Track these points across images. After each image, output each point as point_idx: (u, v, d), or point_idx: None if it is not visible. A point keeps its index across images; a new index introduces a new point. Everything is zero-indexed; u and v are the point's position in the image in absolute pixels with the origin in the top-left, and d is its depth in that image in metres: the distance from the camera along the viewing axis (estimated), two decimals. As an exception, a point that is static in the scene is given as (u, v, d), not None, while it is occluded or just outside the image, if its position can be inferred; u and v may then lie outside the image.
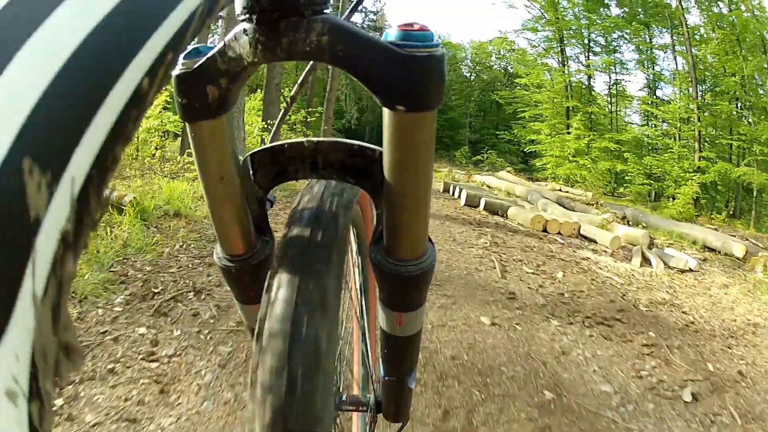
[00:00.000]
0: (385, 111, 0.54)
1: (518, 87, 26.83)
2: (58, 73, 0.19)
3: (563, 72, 24.12)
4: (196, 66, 0.54)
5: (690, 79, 19.47)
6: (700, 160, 18.02)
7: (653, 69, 23.49)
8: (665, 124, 21.30)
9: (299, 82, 0.92)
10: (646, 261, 6.32)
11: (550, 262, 5.83)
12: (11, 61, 0.17)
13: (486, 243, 6.13)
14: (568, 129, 22.10)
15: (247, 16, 0.50)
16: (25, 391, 0.18)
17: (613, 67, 23.63)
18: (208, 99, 0.55)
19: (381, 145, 0.61)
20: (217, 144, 0.60)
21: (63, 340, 0.21)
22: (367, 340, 1.25)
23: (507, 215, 8.75)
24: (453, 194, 11.70)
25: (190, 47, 0.53)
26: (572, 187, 17.21)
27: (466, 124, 34.72)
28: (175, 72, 0.54)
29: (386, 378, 0.98)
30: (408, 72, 0.51)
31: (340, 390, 1.09)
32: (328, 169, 0.68)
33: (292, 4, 0.49)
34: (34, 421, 0.19)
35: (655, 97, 22.95)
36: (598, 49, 24.38)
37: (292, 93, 0.95)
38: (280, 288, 0.58)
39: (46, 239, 0.18)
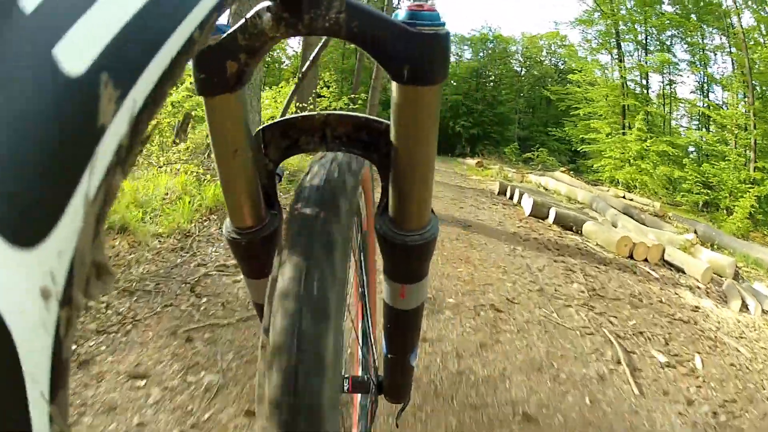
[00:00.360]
0: (394, 84, 0.57)
1: (570, 83, 25.73)
2: (137, 12, 0.22)
3: (621, 67, 22.92)
4: (217, 41, 0.55)
5: (746, 84, 18.26)
6: (755, 171, 16.68)
7: (706, 70, 22.28)
8: (714, 130, 19.91)
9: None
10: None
11: (671, 327, 3.91)
12: None
13: (582, 292, 4.28)
14: (623, 129, 21.05)
15: None
16: (59, 294, 0.18)
17: (667, 67, 22.50)
18: (227, 74, 0.57)
19: (389, 119, 0.64)
20: (233, 118, 0.62)
21: (97, 258, 0.22)
22: (368, 321, 1.23)
23: (582, 232, 7.23)
24: (511, 198, 10.61)
25: None
26: (630, 192, 16.08)
27: (516, 120, 33.65)
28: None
29: (388, 355, 0.98)
30: (415, 48, 0.53)
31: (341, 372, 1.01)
32: (337, 142, 0.69)
33: None
34: (60, 330, 0.18)
35: (709, 100, 21.75)
36: (650, 47, 23.22)
37: (303, 69, 0.94)
38: (290, 255, 0.57)
39: (105, 147, 0.21)
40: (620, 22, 23.27)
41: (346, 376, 1.04)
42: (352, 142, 0.69)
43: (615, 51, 24.57)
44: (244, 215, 0.70)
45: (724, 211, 16.90)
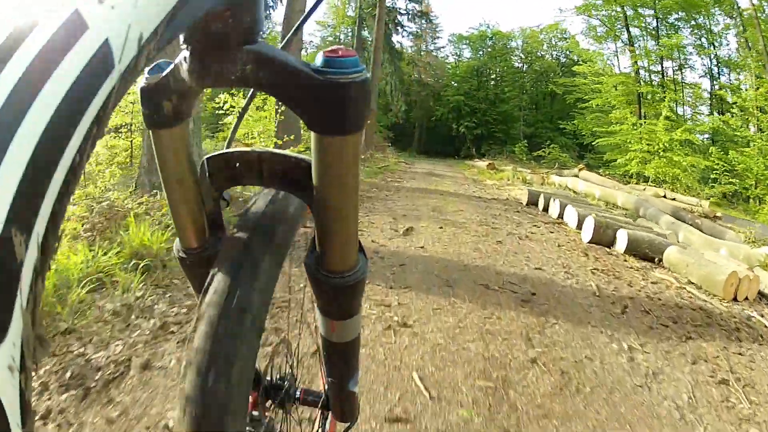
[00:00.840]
0: (311, 132, 0.55)
1: (576, 75, 23.99)
2: (26, 168, 0.26)
3: (633, 53, 21.07)
4: (155, 82, 0.57)
5: (763, 64, 16.50)
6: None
7: (716, 53, 20.49)
8: (732, 114, 17.78)
9: (247, 100, 0.87)
10: None
11: None
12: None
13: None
14: (641, 119, 19.26)
15: (185, 46, 0.51)
16: (18, 367, 0.26)
17: (676, 51, 20.70)
18: (164, 111, 0.58)
19: None
20: (175, 150, 0.63)
21: (38, 333, 0.29)
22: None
23: (663, 262, 5.17)
24: (546, 210, 8.63)
25: (153, 63, 0.56)
26: (660, 187, 14.17)
27: (520, 117, 32.06)
28: (140, 85, 0.58)
29: (329, 379, 0.99)
30: (327, 98, 0.51)
31: (295, 383, 1.09)
32: (271, 178, 0.69)
33: (219, 37, 0.50)
34: (22, 387, 0.27)
35: (726, 83, 19.91)
36: (661, 31, 21.44)
37: (244, 106, 0.89)
38: (216, 282, 0.61)
39: (26, 271, 0.27)
40: (626, 6, 21.50)
41: (299, 388, 1.08)
42: (285, 180, 0.69)
43: (623, 37, 22.86)
44: (190, 237, 0.72)
45: (756, 202, 15.20)
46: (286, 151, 0.69)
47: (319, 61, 0.52)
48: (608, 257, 5.45)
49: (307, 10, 0.79)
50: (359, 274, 0.71)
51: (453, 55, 38.10)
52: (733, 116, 17.10)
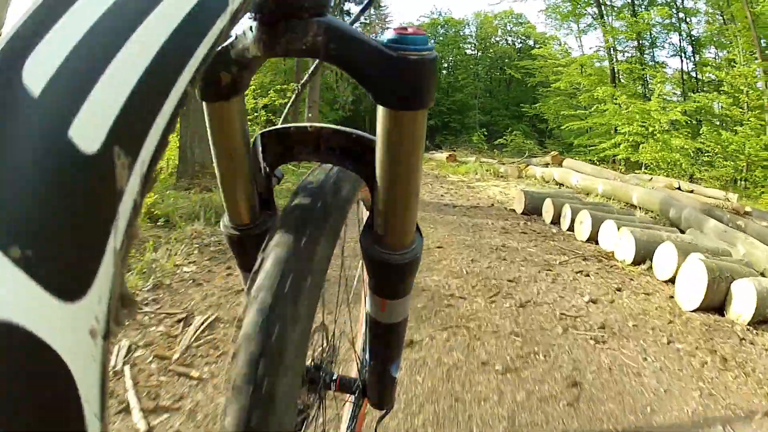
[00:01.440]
0: (378, 107, 0.53)
1: (538, 58, 21.08)
2: (137, 83, 0.24)
3: (605, 26, 17.93)
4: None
5: (752, 40, 13.66)
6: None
7: (689, 31, 17.61)
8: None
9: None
10: None
11: None
12: (104, 73, 0.23)
13: None
14: (615, 100, 16.31)
15: (253, 15, 0.50)
16: (102, 330, 0.22)
17: (647, 33, 17.78)
18: (221, 83, 0.55)
19: None
20: (229, 123, 0.60)
21: (123, 291, 0.25)
22: (365, 327, 1.18)
23: None
24: (560, 224, 5.52)
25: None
26: (666, 176, 11.20)
27: (476, 105, 29.15)
28: None
29: (371, 363, 0.97)
30: (399, 73, 0.50)
31: (332, 369, 1.04)
32: (329, 153, 0.67)
33: (291, 7, 0.49)
34: (104, 359, 0.22)
35: (713, 59, 17.03)
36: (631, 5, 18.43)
37: (303, 80, 0.92)
38: (273, 250, 0.57)
39: (124, 206, 0.23)
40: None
41: (334, 376, 1.03)
42: (344, 156, 0.66)
43: (591, 11, 19.82)
44: (240, 213, 0.68)
45: (751, 186, 12.51)
46: (347, 128, 0.66)
47: (389, 37, 0.50)
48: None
49: None
50: (416, 252, 0.69)
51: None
52: (722, 94, 14.14)
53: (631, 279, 3.64)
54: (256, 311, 0.52)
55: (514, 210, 6.32)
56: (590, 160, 15.10)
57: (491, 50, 31.19)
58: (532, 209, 5.98)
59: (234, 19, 0.33)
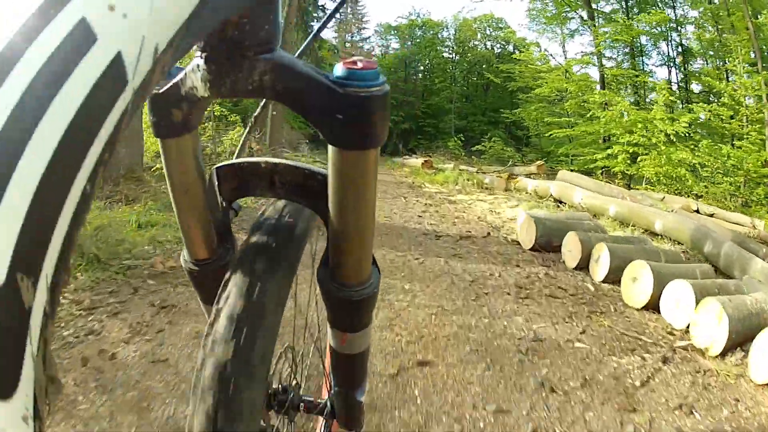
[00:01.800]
0: (328, 145, 0.50)
1: (519, 62, 19.34)
2: (30, 205, 0.22)
3: (594, 29, 16.22)
4: (164, 89, 0.52)
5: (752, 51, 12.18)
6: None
7: (679, 41, 16.10)
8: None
9: (260, 105, 0.87)
10: None
11: None
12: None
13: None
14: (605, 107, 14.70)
15: (199, 53, 0.47)
16: (32, 414, 0.24)
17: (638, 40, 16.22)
18: (174, 119, 0.53)
19: None
20: (183, 159, 0.58)
21: (49, 374, 0.26)
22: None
23: None
24: (584, 267, 3.72)
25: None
26: (679, 195, 9.61)
27: (452, 110, 27.44)
28: None
29: (336, 389, 0.95)
30: (347, 111, 0.47)
31: (299, 391, 0.99)
32: (284, 189, 0.65)
33: (236, 46, 0.46)
34: None
35: (711, 68, 15.51)
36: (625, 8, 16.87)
37: (256, 113, 0.88)
38: (228, 299, 0.56)
39: (35, 317, 0.23)
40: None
41: (303, 398, 1.00)
42: (298, 192, 0.65)
43: (575, 17, 18.22)
44: (198, 248, 0.66)
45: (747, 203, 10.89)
46: (301, 163, 0.65)
47: (338, 71, 0.47)
48: None
49: (325, 17, 0.72)
50: (373, 287, 0.66)
51: (380, 46, 33.25)
52: (721, 106, 12.53)
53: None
54: (211, 366, 0.51)
55: (518, 243, 4.48)
56: (572, 170, 13.49)
57: (469, 54, 29.50)
58: (545, 243, 4.16)
59: (140, 95, 0.29)
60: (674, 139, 10.55)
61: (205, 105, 0.54)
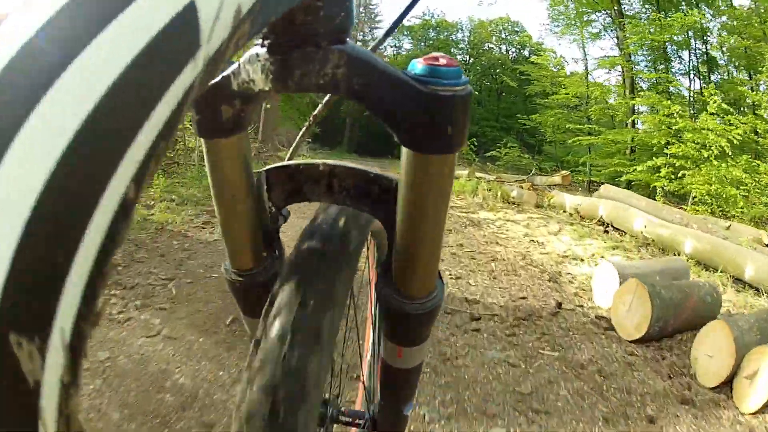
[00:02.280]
0: (403, 148, 0.45)
1: (539, 66, 17.73)
2: (28, 222, 0.14)
3: (621, 30, 14.38)
4: (212, 82, 0.45)
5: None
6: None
7: (705, 50, 14.29)
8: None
9: (324, 101, 0.70)
10: None
11: None
12: None
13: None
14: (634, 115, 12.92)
15: (260, 41, 0.41)
16: None
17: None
18: (222, 118, 0.47)
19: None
20: (231, 161, 0.52)
21: None
22: (375, 360, 1.10)
23: None
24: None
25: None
26: (705, 213, 7.87)
27: None
28: None
29: (383, 402, 0.88)
30: (429, 112, 0.42)
31: (338, 402, 0.91)
32: (343, 194, 0.58)
33: (307, 34, 0.40)
34: None
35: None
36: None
37: (315, 111, 0.74)
38: (278, 315, 0.50)
39: (48, 395, 0.16)
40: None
41: (342, 410, 0.89)
42: (360, 198, 0.57)
43: (599, 17, 16.46)
44: (243, 258, 0.59)
45: None
46: (363, 166, 0.58)
47: (418, 68, 0.42)
48: None
49: (403, 9, 0.62)
50: (437, 300, 0.59)
51: (392, 46, 31.73)
52: (758, 118, 10.65)
53: None
54: (260, 388, 0.46)
55: (608, 324, 2.70)
56: (597, 182, 11.78)
57: (483, 57, 27.89)
58: (659, 330, 2.42)
59: (213, 66, 0.21)
60: (729, 152, 8.70)
61: (261, 102, 0.48)
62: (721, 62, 13.98)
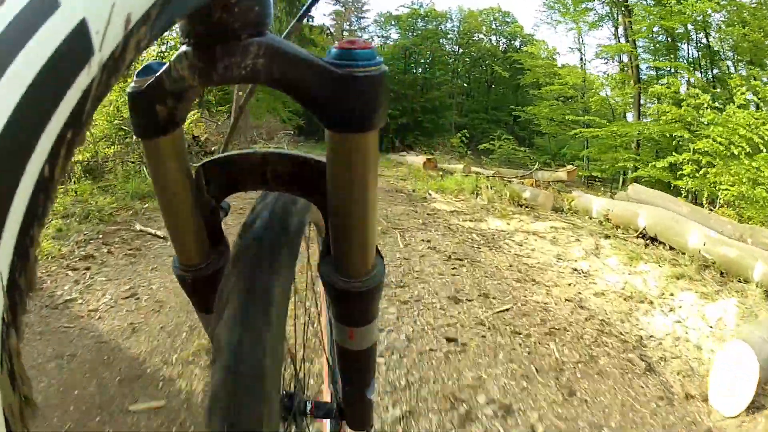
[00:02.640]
0: (326, 130, 0.46)
1: (533, 56, 16.70)
2: None
3: (624, 14, 13.09)
4: (146, 85, 0.48)
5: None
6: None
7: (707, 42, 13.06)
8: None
9: (247, 92, 0.77)
10: None
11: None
12: None
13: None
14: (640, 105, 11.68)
15: (186, 40, 0.43)
16: None
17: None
18: (158, 117, 0.49)
19: None
20: (169, 160, 0.53)
21: (24, 393, 0.22)
22: (334, 350, 1.01)
23: None
24: None
25: (142, 65, 0.50)
26: (718, 213, 6.67)
27: (453, 105, 24.49)
28: (128, 89, 0.49)
29: (346, 389, 0.87)
30: (346, 93, 0.43)
31: (305, 395, 0.92)
32: (277, 181, 0.58)
33: (225, 28, 0.41)
34: None
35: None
36: None
37: (240, 102, 0.79)
38: (228, 302, 0.50)
39: None
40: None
41: (309, 400, 0.90)
42: (293, 182, 0.57)
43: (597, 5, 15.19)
44: (189, 253, 0.60)
45: None
46: (294, 151, 0.59)
47: (333, 53, 0.44)
48: None
49: None
50: (378, 277, 0.60)
51: (379, 36, 30.31)
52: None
53: None
54: (223, 376, 0.46)
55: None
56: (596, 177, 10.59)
57: (473, 47, 26.27)
58: None
59: (110, 69, 0.24)
60: (763, 148, 7.42)
61: (192, 98, 0.50)
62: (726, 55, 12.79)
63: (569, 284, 3.07)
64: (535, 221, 4.91)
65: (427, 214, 4.89)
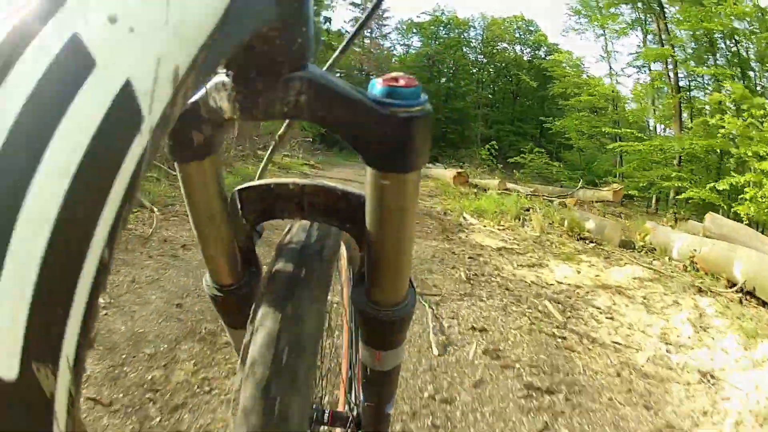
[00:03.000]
0: (366, 167, 0.45)
1: (562, 64, 15.80)
2: (36, 285, 0.17)
3: (658, 23, 12.03)
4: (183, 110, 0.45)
5: None
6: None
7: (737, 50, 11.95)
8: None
9: (285, 124, 0.70)
10: None
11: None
12: None
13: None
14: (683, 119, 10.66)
15: (224, 70, 0.41)
16: None
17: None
18: (194, 143, 0.47)
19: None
20: (204, 184, 0.52)
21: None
22: (354, 362, 1.06)
23: None
24: None
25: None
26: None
27: (479, 116, 23.88)
28: None
29: (366, 403, 0.85)
30: (388, 133, 0.42)
31: (323, 405, 0.92)
32: (313, 211, 0.57)
33: (268, 62, 0.39)
34: None
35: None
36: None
37: (280, 132, 0.72)
38: (263, 320, 0.49)
39: (60, 402, 0.19)
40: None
41: (327, 409, 0.90)
42: (330, 214, 0.57)
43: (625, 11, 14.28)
44: (222, 274, 0.59)
45: None
46: (332, 184, 0.57)
47: (377, 89, 0.41)
48: None
49: (357, 24, 0.58)
50: (409, 307, 0.59)
51: (401, 44, 29.81)
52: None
53: None
54: (254, 387, 0.45)
55: None
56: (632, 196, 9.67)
57: (497, 57, 25.69)
58: None
59: (160, 132, 0.22)
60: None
61: (231, 126, 0.47)
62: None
63: (704, 412, 1.92)
64: (609, 266, 3.95)
65: (469, 258, 3.78)
